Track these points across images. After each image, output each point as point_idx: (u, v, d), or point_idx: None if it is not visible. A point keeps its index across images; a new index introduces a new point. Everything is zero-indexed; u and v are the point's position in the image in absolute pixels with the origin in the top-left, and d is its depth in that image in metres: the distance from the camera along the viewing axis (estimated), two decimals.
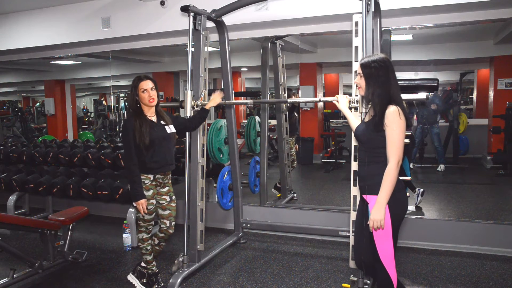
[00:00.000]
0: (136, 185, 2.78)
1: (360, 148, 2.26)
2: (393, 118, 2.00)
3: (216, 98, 3.29)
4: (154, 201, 2.90)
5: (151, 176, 2.86)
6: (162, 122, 2.93)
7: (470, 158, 7.42)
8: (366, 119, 2.22)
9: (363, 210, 2.23)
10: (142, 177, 2.83)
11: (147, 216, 2.90)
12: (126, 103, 9.36)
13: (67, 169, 4.62)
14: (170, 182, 3.05)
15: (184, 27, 3.75)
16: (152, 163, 2.83)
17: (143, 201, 2.78)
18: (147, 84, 2.81)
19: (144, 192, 2.82)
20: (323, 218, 4.07)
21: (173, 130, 2.98)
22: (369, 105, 2.20)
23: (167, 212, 2.99)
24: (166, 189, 3.00)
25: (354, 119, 2.42)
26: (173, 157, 3.01)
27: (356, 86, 2.26)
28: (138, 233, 3.00)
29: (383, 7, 3.09)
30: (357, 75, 2.21)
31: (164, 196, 2.98)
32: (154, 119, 2.91)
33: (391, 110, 2.01)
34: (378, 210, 2.02)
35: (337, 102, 2.61)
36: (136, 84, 2.81)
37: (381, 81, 2.06)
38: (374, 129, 2.07)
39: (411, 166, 6.32)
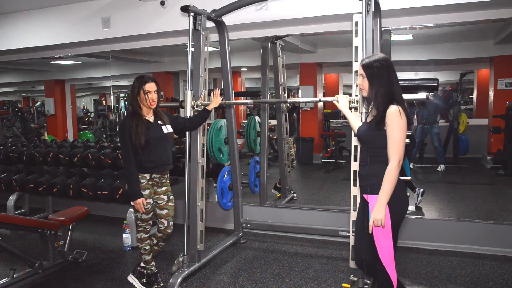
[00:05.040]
0: (134, 184, 2.79)
1: (361, 148, 2.26)
2: (394, 118, 2.00)
3: (217, 99, 3.29)
4: (151, 201, 2.90)
5: (147, 176, 2.86)
6: (159, 122, 2.93)
7: (470, 158, 7.42)
8: (369, 119, 2.22)
9: (364, 209, 2.23)
10: (139, 176, 2.83)
11: (144, 216, 2.90)
12: (126, 103, 9.38)
13: (67, 169, 4.62)
14: (168, 181, 3.04)
15: (184, 27, 3.75)
16: (148, 162, 2.83)
17: (140, 200, 2.78)
18: (152, 87, 2.82)
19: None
20: (323, 218, 4.07)
21: (170, 130, 2.98)
22: (371, 106, 2.20)
23: (165, 211, 2.99)
24: (163, 188, 3.00)
25: (355, 119, 2.42)
26: (170, 157, 3.01)
27: (358, 87, 2.26)
28: (136, 233, 3.01)
29: (383, 7, 3.08)
30: (358, 76, 2.20)
31: (161, 196, 2.98)
32: (152, 119, 2.91)
33: (392, 109, 2.01)
34: (379, 209, 2.02)
35: (337, 102, 2.61)
36: (141, 85, 2.80)
37: (384, 81, 2.06)
38: (375, 128, 2.07)
39: (411, 166, 6.31)
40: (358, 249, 2.33)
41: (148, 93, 2.80)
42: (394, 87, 2.07)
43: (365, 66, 2.12)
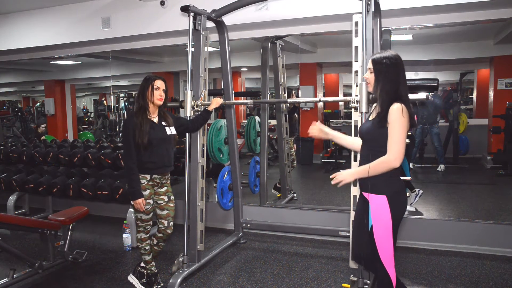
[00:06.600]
0: (134, 183, 2.78)
1: (363, 146, 2.25)
2: (396, 116, 1.99)
3: (218, 100, 3.31)
4: (151, 201, 2.90)
5: (148, 176, 2.86)
6: (163, 123, 2.94)
7: (470, 158, 7.42)
8: (371, 118, 2.21)
9: (363, 207, 2.22)
10: (139, 176, 2.83)
11: (144, 216, 2.90)
12: (127, 103, 9.38)
13: (67, 169, 4.62)
14: (168, 182, 3.05)
15: (184, 27, 3.75)
16: (149, 163, 2.83)
17: (140, 200, 2.78)
18: (162, 84, 2.89)
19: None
20: (323, 218, 4.07)
21: (174, 131, 2.98)
22: (374, 105, 2.19)
23: (165, 212, 2.99)
24: (164, 189, 3.00)
25: (344, 136, 2.48)
26: (172, 158, 3.00)
27: (366, 81, 2.26)
28: (136, 233, 3.01)
29: (383, 7, 3.09)
30: (366, 70, 2.20)
31: (162, 196, 2.98)
32: (156, 119, 2.91)
33: (395, 107, 2.00)
34: (351, 174, 2.11)
35: (316, 131, 2.44)
36: (151, 81, 2.86)
37: (390, 78, 2.05)
38: (378, 125, 2.07)
39: (411, 166, 6.32)
40: (355, 244, 2.35)
41: (158, 89, 2.86)
42: (400, 86, 2.05)
43: (374, 61, 2.12)
